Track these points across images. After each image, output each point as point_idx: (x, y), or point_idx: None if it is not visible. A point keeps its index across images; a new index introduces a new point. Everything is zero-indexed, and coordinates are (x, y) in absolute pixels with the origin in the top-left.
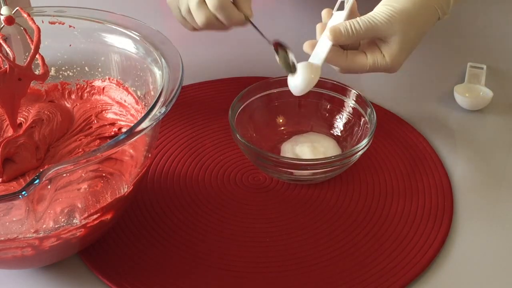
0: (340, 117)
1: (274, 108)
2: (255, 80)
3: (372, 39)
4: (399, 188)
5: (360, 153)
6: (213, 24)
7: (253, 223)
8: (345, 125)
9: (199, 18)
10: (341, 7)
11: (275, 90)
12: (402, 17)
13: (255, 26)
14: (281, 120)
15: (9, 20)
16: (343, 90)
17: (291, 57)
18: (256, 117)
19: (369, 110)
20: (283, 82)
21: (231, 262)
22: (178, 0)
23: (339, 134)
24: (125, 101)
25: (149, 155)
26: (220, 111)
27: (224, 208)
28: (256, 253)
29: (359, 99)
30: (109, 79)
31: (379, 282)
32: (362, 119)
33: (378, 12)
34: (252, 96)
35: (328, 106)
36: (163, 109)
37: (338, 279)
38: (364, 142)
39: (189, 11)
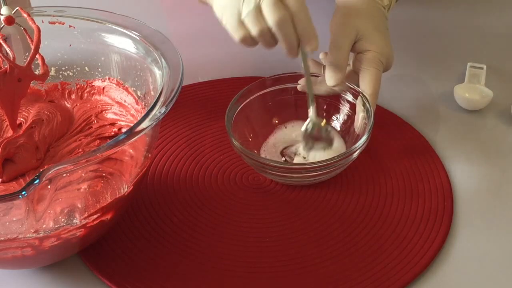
0: (337, 117)
1: (271, 108)
2: (255, 80)
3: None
4: (399, 188)
5: (358, 151)
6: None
7: (253, 223)
8: (342, 125)
9: (272, 16)
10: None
11: (271, 89)
12: (347, 13)
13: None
14: (276, 121)
15: (9, 20)
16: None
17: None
18: (253, 118)
19: (367, 105)
20: (280, 80)
21: (231, 262)
22: (241, 0)
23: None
24: (125, 101)
25: (149, 155)
26: (220, 111)
27: (224, 208)
28: (256, 253)
29: (356, 96)
30: (109, 79)
31: (379, 282)
32: None
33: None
34: (249, 96)
35: (325, 107)
36: (163, 109)
37: (338, 279)
38: (363, 140)
39: (255, 11)
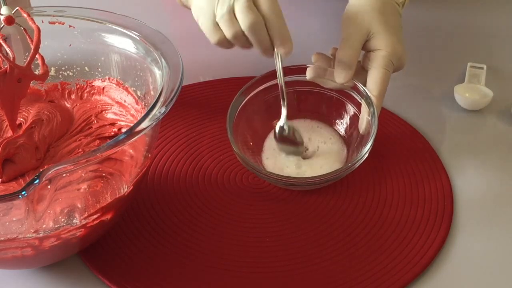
0: (341, 122)
1: (272, 104)
2: None
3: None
4: (399, 188)
5: (361, 161)
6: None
7: (253, 223)
8: (344, 123)
9: (245, 20)
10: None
11: (271, 83)
12: (355, 11)
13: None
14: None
15: (9, 20)
16: (345, 90)
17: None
18: (254, 115)
19: (372, 110)
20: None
21: (231, 262)
22: (216, 2)
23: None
24: (125, 101)
25: (149, 155)
26: (220, 111)
27: (223, 208)
28: (256, 253)
29: (362, 95)
30: (109, 79)
31: (379, 282)
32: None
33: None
34: (249, 93)
35: (327, 109)
36: (163, 109)
37: (338, 279)
38: (367, 148)
39: (229, 14)
